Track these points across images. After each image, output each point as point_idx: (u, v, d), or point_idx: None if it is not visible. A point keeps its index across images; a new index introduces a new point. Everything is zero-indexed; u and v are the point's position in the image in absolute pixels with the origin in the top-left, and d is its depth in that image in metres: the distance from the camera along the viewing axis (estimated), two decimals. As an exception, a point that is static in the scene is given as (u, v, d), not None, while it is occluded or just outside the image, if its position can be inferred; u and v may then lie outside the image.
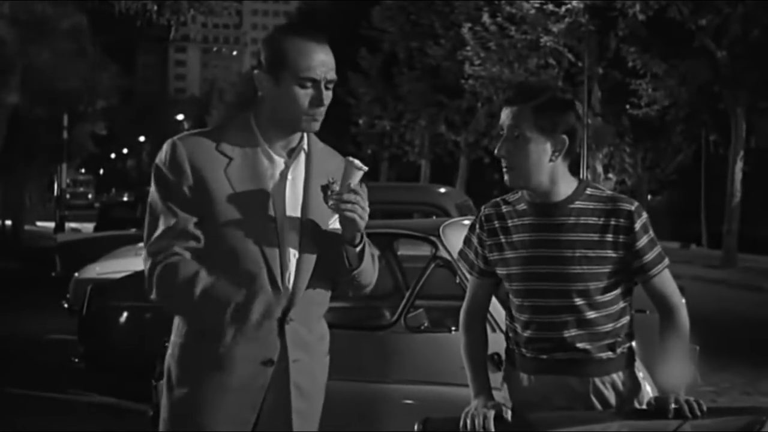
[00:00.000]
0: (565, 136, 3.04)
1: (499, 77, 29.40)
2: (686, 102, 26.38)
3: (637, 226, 3.02)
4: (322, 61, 2.93)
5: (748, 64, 24.09)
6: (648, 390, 4.32)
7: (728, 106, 25.16)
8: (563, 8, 26.91)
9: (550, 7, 27.15)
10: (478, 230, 3.23)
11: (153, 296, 2.95)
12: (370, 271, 3.05)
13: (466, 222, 5.80)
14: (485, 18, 29.23)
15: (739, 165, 25.14)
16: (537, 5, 27.36)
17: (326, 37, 2.99)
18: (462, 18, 31.33)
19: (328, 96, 2.97)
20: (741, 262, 25.09)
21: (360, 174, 2.87)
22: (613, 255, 3.02)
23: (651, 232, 3.06)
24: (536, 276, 3.05)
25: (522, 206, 3.13)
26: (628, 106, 26.87)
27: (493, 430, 2.89)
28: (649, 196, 34.46)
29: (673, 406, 2.83)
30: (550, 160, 3.04)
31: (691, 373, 2.99)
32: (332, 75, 2.96)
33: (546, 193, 3.07)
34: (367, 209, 2.88)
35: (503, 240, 3.14)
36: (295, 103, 2.91)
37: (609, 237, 3.01)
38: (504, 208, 3.17)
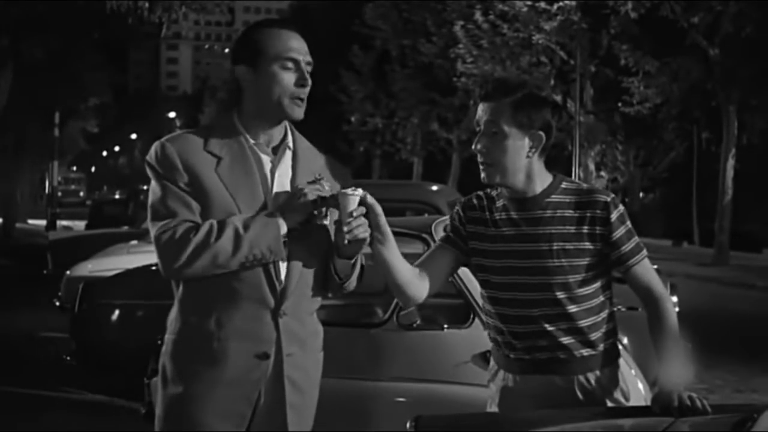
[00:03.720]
0: (541, 133, 3.05)
1: (491, 75, 29.41)
2: (678, 99, 26.44)
3: (614, 216, 3.02)
4: (297, 44, 2.96)
5: (740, 61, 24.14)
6: (640, 387, 4.32)
7: (720, 103, 25.22)
8: (555, 6, 26.95)
9: (542, 5, 27.19)
10: (459, 211, 3.22)
11: (177, 261, 2.82)
12: (355, 279, 3.10)
13: (459, 219, 5.79)
14: (477, 16, 29.26)
15: (731, 162, 25.20)
16: (529, 3, 27.39)
17: (298, 28, 3.02)
18: (454, 16, 31.35)
19: (309, 80, 2.98)
20: (733, 260, 25.16)
21: (357, 199, 2.89)
22: (591, 247, 3.03)
23: (628, 223, 3.06)
24: (516, 270, 3.05)
25: (501, 202, 3.14)
26: (620, 104, 26.91)
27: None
28: (641, 194, 34.54)
29: (676, 404, 2.82)
30: (527, 156, 3.05)
31: (689, 369, 2.98)
32: (309, 58, 2.99)
33: (522, 190, 3.07)
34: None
35: (482, 230, 3.15)
36: (279, 84, 2.93)
37: (585, 229, 3.02)
38: (485, 201, 3.19)
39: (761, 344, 11.85)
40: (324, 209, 2.97)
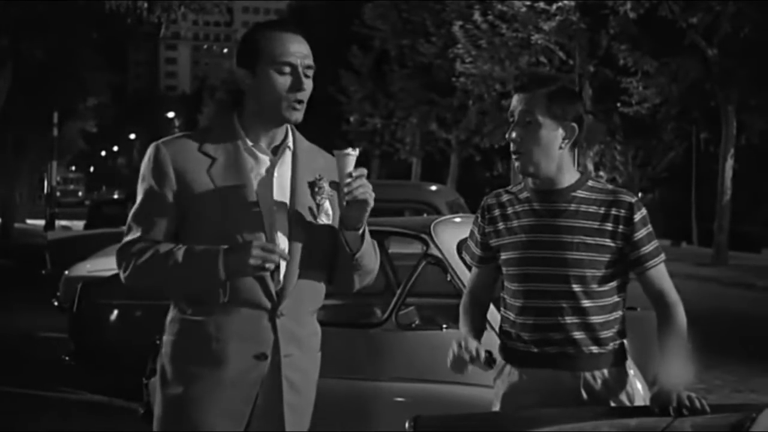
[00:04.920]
0: (574, 124, 3.10)
1: (490, 75, 29.42)
2: (677, 100, 26.42)
3: (637, 217, 3.07)
4: (296, 48, 2.95)
5: (738, 61, 24.14)
6: (639, 387, 4.32)
7: (719, 103, 25.21)
8: (554, 6, 26.93)
9: (541, 5, 27.16)
10: (479, 220, 3.28)
11: (134, 279, 2.95)
12: (371, 253, 3.06)
13: (457, 220, 5.80)
14: (476, 16, 29.24)
15: (730, 162, 25.19)
16: (528, 3, 27.37)
17: (300, 30, 3.01)
18: (453, 16, 31.33)
19: (308, 84, 2.97)
20: (732, 260, 25.15)
21: (354, 159, 2.89)
22: (611, 244, 3.06)
23: (649, 226, 3.11)
24: (534, 260, 3.08)
25: (525, 194, 3.18)
26: (619, 104, 26.91)
27: (482, 354, 2.97)
28: (640, 194, 34.52)
29: (674, 403, 2.83)
30: (560, 147, 3.10)
31: (690, 371, 2.98)
32: (309, 62, 2.97)
33: (551, 181, 3.12)
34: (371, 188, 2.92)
35: (502, 226, 3.18)
36: (274, 89, 2.92)
37: (608, 226, 3.06)
38: (505, 197, 3.23)
39: (760, 344, 11.85)
40: (321, 206, 2.96)
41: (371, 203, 2.90)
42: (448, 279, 5.02)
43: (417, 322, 5.24)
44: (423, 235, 5.16)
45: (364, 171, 2.89)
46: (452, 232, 5.23)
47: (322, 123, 35.45)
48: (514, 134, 3.10)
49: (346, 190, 2.85)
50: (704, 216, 30.35)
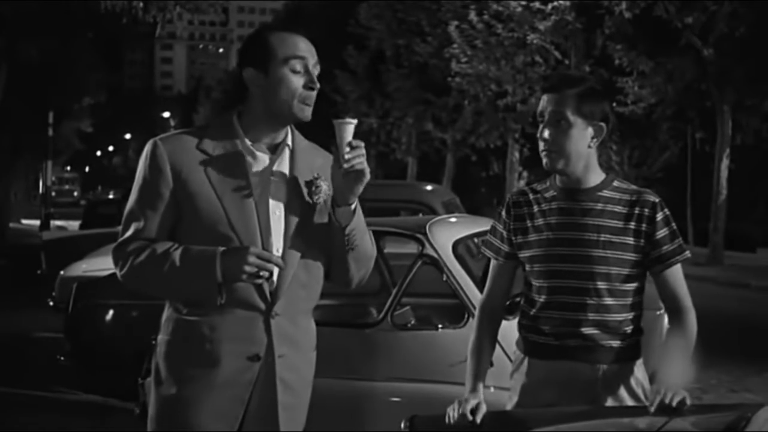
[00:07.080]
0: (602, 123, 3.16)
1: (485, 75, 29.43)
2: (673, 100, 26.43)
3: (659, 217, 3.14)
4: (306, 47, 2.99)
5: (734, 61, 24.15)
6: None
7: (715, 103, 25.22)
8: (550, 6, 26.96)
9: (537, 4, 27.20)
10: (504, 216, 3.31)
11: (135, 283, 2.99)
12: (364, 232, 3.05)
13: (453, 219, 5.81)
14: (472, 16, 29.25)
15: (725, 162, 25.20)
16: (524, 3, 27.40)
17: (304, 32, 3.04)
18: (449, 16, 31.33)
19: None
20: (727, 260, 25.17)
21: (352, 128, 2.90)
22: (634, 242, 3.12)
23: (673, 225, 3.17)
24: (559, 257, 3.13)
25: (551, 193, 3.23)
26: (614, 104, 26.89)
27: (477, 419, 2.92)
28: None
29: (658, 398, 2.84)
30: (588, 146, 3.15)
31: (690, 375, 3.01)
32: (318, 66, 3.02)
33: (578, 179, 3.18)
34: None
35: (528, 224, 3.23)
36: (288, 87, 2.94)
37: (632, 225, 3.13)
38: (531, 195, 3.28)
39: (756, 344, 11.87)
40: (318, 205, 2.96)
41: (368, 175, 2.91)
42: (444, 279, 5.02)
43: (412, 322, 5.24)
44: (419, 235, 5.17)
45: (362, 143, 2.90)
46: (448, 232, 5.24)
47: (317, 122, 35.42)
48: (546, 134, 3.15)
49: (347, 157, 2.87)
50: (700, 216, 30.35)
